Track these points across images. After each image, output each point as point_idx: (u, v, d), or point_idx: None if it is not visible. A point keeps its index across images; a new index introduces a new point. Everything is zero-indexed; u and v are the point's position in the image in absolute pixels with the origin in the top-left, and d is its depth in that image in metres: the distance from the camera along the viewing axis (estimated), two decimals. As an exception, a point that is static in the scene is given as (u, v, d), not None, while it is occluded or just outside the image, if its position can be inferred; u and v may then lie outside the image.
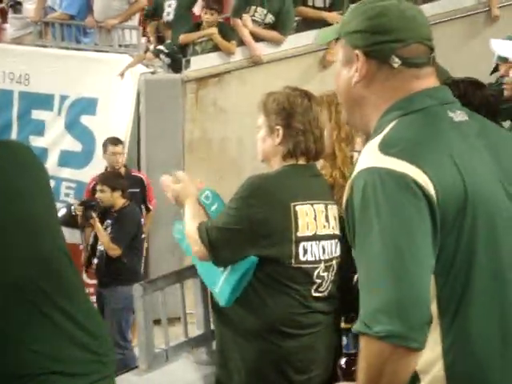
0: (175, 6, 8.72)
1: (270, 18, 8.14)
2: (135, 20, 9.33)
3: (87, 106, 8.67)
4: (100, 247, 6.85)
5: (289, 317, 2.92)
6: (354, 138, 3.40)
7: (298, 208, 2.91)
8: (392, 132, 1.77)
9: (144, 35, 9.59)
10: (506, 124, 4.76)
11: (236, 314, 2.96)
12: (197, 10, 9.75)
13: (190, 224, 2.95)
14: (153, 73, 8.37)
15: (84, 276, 7.12)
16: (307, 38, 7.92)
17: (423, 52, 1.84)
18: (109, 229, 6.82)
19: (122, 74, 8.41)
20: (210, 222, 2.91)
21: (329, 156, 3.35)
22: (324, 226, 2.98)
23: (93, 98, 8.63)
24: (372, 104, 1.86)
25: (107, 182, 6.97)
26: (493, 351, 1.73)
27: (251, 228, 2.85)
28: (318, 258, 2.95)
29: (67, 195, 8.58)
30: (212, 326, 3.49)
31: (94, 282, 7.12)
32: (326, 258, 2.99)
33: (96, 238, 6.94)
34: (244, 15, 8.10)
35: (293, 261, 2.90)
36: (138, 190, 7.43)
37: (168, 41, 8.60)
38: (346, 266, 2.93)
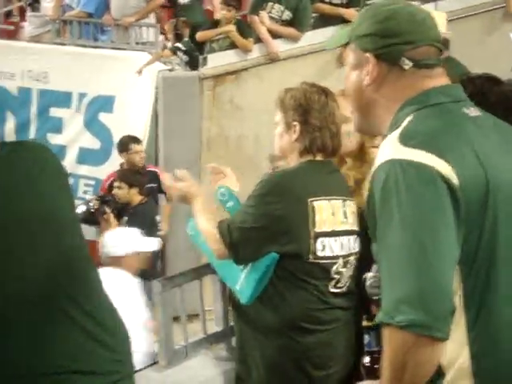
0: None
1: (287, 15, 8.13)
2: (152, 18, 9.35)
3: (105, 103, 8.70)
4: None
5: (307, 312, 2.93)
6: None
7: (315, 204, 2.91)
8: (411, 125, 1.77)
9: (162, 33, 9.61)
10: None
11: (256, 310, 2.97)
12: (211, 6, 9.79)
13: (205, 223, 2.95)
14: (170, 70, 8.38)
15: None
16: (324, 34, 7.89)
17: (433, 53, 1.86)
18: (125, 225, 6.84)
19: (139, 72, 8.44)
20: (230, 221, 2.91)
21: (355, 154, 3.29)
22: (342, 222, 2.98)
23: (110, 95, 8.66)
24: (383, 105, 1.87)
25: (125, 179, 7.00)
26: None
27: (270, 225, 2.86)
28: (336, 254, 2.95)
29: (85, 192, 8.61)
30: (230, 323, 3.50)
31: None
32: (344, 253, 2.99)
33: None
34: (261, 12, 8.08)
35: (311, 256, 2.90)
36: (155, 185, 7.45)
37: (186, 38, 8.62)
38: (365, 262, 2.93)
